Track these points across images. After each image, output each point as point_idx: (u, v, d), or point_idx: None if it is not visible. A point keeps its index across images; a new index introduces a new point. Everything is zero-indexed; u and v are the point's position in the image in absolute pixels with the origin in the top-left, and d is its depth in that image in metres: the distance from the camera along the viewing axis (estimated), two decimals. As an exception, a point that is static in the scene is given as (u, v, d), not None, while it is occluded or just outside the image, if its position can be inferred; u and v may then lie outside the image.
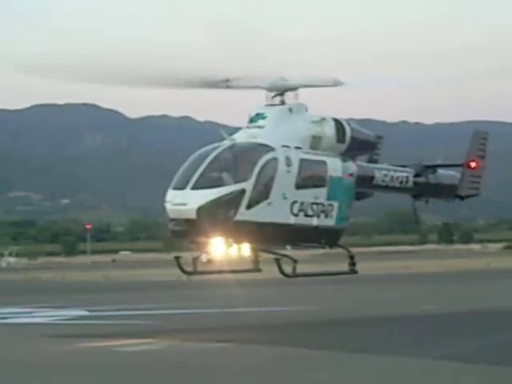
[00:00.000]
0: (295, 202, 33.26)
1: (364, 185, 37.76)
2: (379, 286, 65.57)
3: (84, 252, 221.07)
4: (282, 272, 34.20)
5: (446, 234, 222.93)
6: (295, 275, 34.75)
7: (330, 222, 34.71)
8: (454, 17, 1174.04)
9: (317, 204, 34.07)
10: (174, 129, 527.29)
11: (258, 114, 34.65)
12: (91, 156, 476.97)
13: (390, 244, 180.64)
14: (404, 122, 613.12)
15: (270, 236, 33.03)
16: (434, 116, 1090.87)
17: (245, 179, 31.93)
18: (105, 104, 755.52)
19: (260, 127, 34.17)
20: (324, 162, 34.54)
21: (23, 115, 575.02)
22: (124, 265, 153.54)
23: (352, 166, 36.22)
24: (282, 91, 35.02)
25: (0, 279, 79.01)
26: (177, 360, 26.59)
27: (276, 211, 32.62)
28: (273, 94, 35.16)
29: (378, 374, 23.19)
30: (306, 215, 33.70)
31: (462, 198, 42.58)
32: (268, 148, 32.98)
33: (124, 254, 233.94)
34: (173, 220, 32.14)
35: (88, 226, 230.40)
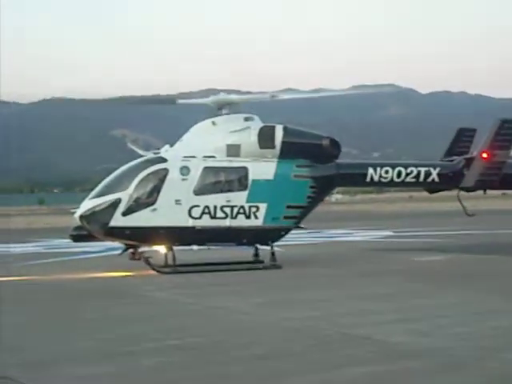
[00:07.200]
0: (195, 206, 28.83)
1: (353, 182, 32.80)
2: None
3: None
4: (153, 268, 28.81)
5: None
6: (175, 271, 28.66)
7: (254, 223, 29.33)
8: None
9: (231, 207, 29.16)
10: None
11: (189, 130, 30.78)
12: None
13: None
14: None
15: (163, 237, 28.67)
16: None
17: (122, 190, 28.51)
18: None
19: (180, 141, 30.38)
20: (244, 168, 29.55)
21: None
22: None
23: (301, 169, 30.09)
24: (222, 106, 30.53)
25: (331, 210, 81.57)
26: (457, 268, 27.80)
27: (165, 216, 28.47)
28: (216, 109, 30.65)
29: None
30: (214, 217, 28.99)
31: (467, 190, 32.91)
32: (158, 160, 29.20)
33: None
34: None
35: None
